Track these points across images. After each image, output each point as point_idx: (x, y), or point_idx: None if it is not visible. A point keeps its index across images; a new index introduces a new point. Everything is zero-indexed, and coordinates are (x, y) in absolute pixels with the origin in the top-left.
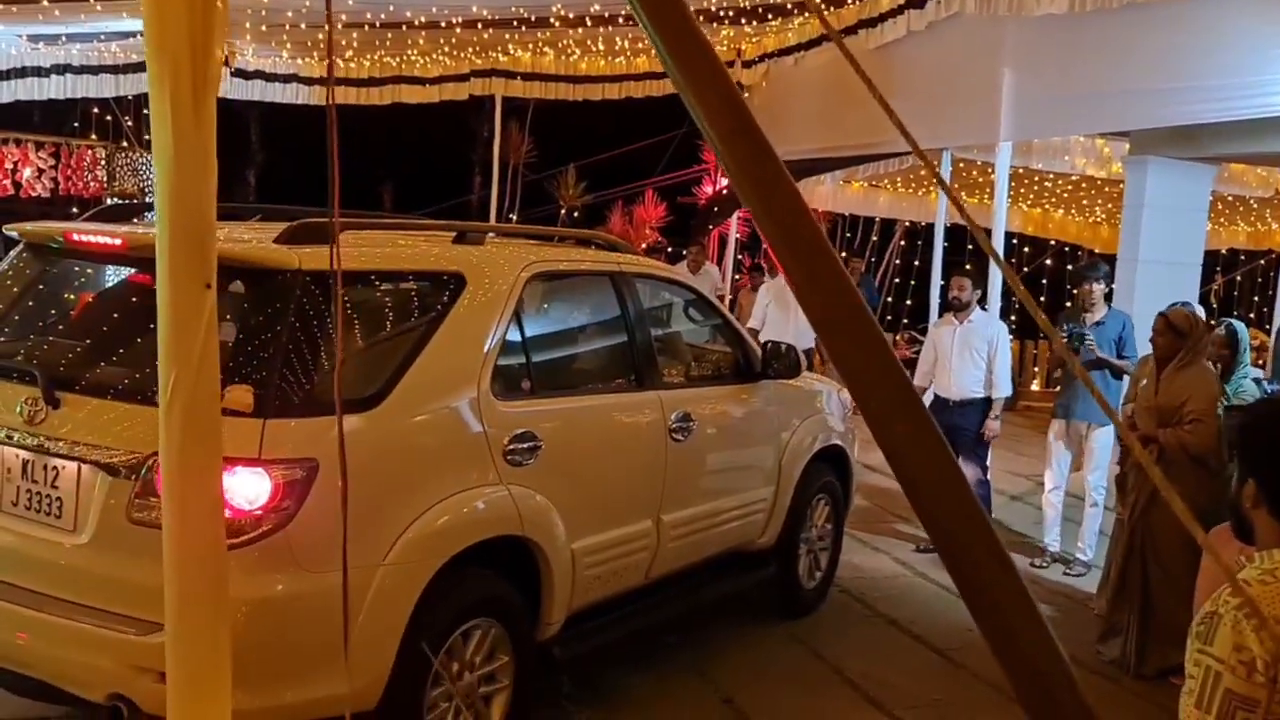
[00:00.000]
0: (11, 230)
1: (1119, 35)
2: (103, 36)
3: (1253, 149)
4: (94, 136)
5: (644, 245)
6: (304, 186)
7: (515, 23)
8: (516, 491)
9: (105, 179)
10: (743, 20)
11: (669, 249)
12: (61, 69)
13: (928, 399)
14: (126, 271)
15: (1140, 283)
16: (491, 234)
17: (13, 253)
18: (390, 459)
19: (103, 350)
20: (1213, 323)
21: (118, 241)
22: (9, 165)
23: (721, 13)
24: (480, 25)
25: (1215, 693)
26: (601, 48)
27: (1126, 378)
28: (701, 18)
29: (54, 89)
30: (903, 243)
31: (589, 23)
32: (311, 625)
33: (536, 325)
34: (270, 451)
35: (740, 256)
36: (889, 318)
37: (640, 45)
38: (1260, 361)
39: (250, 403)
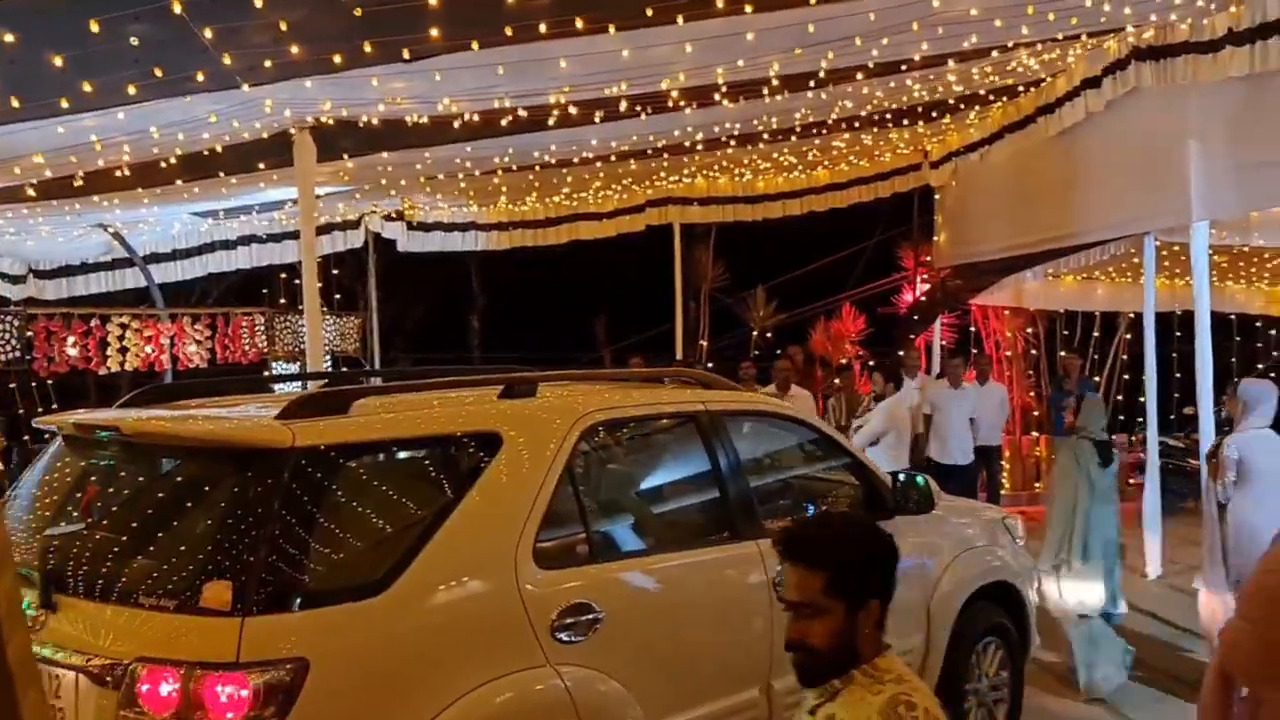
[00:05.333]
0: (42, 423)
1: None
2: (257, 208)
3: None
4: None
5: (842, 360)
6: (524, 327)
7: (687, 145)
8: (569, 673)
9: (265, 343)
10: (922, 120)
11: (870, 361)
12: (248, 239)
13: None
14: (128, 459)
15: None
16: (564, 382)
17: (52, 445)
18: (396, 652)
19: (97, 546)
20: None
21: (113, 429)
22: (164, 340)
23: (903, 114)
24: (650, 154)
25: None
26: (774, 164)
27: None
28: (887, 120)
29: (241, 259)
30: (1128, 335)
31: (762, 143)
32: None
33: (597, 481)
34: (250, 653)
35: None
36: (1121, 417)
37: (815, 157)
38: None
39: (228, 599)
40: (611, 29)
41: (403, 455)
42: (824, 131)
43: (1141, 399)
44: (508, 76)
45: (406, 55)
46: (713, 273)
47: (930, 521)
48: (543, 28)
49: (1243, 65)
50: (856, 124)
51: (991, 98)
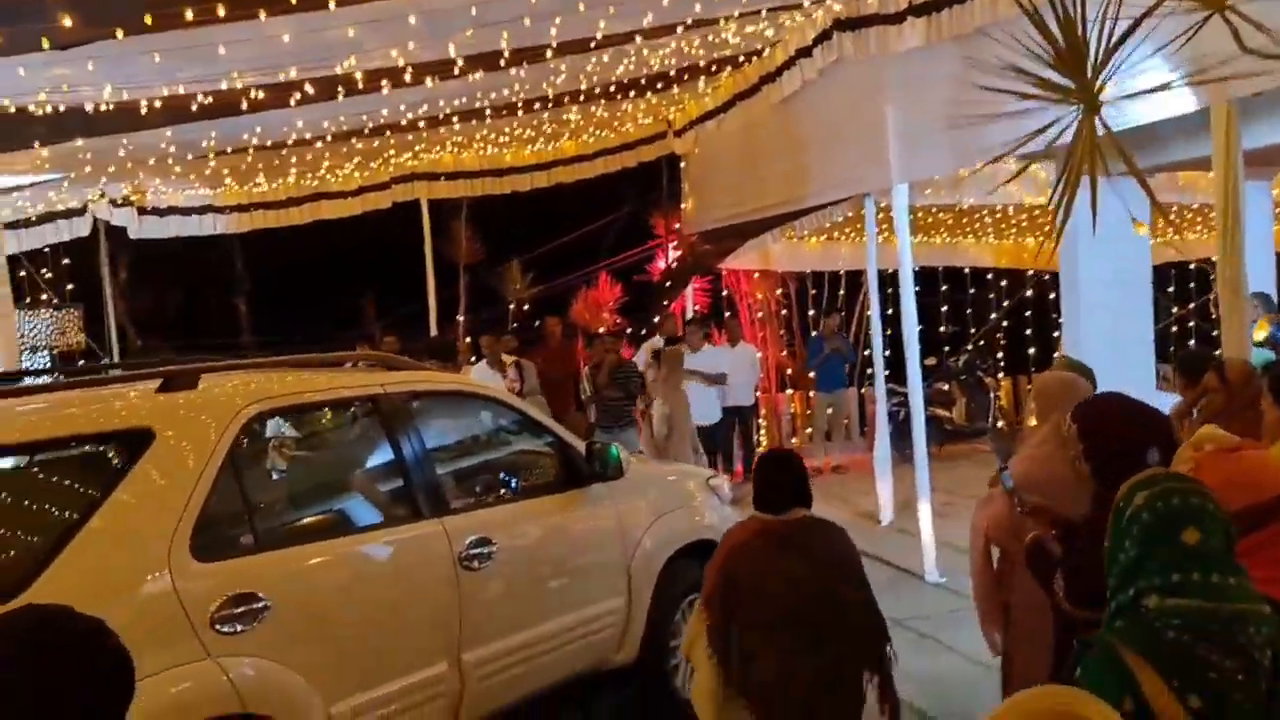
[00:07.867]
0: None
1: (983, 59)
2: None
3: (1182, 155)
4: None
5: (601, 329)
6: (295, 308)
7: (424, 123)
8: (232, 663)
9: None
10: (650, 91)
11: (628, 330)
12: None
13: None
14: None
15: (1084, 304)
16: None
17: None
18: None
19: None
20: None
21: None
22: None
23: (644, 82)
24: (389, 132)
25: None
26: (513, 138)
27: None
28: (631, 91)
29: None
30: None
31: (505, 112)
32: None
33: (266, 469)
34: None
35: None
36: (868, 371)
37: (553, 130)
38: None
39: None
40: (261, 13)
41: (43, 457)
42: (549, 106)
43: (887, 353)
44: (168, 63)
45: (46, 45)
46: (469, 246)
47: (629, 487)
48: (221, 11)
49: (920, 36)
50: (582, 98)
51: (714, 68)
